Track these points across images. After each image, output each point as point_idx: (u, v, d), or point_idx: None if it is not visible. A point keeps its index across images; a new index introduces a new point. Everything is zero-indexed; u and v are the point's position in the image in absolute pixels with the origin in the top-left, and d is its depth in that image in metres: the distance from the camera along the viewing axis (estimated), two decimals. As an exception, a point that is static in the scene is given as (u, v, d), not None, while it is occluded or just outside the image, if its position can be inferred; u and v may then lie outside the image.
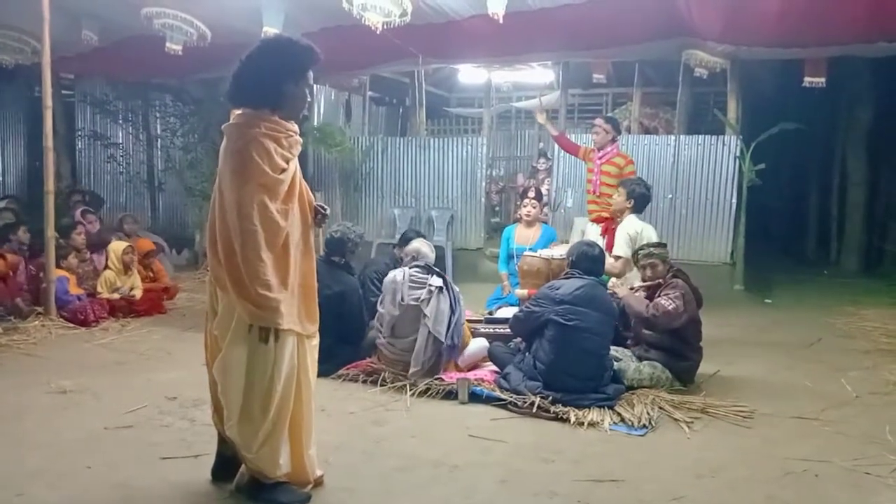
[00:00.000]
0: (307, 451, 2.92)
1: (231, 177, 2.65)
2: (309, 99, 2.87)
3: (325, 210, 2.98)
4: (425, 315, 4.47)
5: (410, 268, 4.69)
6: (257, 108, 2.72)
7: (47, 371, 4.73)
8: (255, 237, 2.62)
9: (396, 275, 4.70)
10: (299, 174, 2.85)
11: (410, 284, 4.59)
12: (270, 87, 2.69)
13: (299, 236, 2.82)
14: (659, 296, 4.50)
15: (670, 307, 4.38)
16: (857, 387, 4.64)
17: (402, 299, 4.57)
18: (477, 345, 4.84)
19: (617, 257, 5.26)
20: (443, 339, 4.46)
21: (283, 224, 2.70)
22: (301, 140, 2.85)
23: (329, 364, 4.71)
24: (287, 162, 2.74)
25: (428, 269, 4.67)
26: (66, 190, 9.42)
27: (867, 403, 4.35)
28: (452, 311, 4.53)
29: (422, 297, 4.52)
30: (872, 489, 3.14)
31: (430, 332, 4.47)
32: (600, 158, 6.12)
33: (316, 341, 2.95)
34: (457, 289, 4.72)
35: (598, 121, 6.27)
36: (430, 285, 4.54)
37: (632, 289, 4.79)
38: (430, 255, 4.82)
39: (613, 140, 6.11)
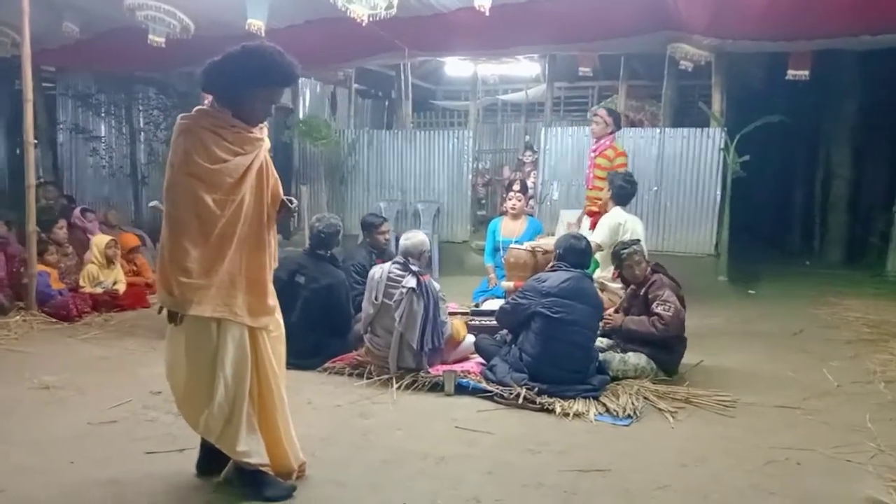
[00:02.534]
0: (285, 437, 2.94)
1: (167, 166, 2.76)
2: (270, 114, 2.90)
3: (291, 203, 2.96)
4: (395, 319, 4.41)
5: (392, 264, 4.63)
6: (214, 102, 2.77)
7: (30, 367, 4.69)
8: (178, 224, 2.70)
9: (375, 272, 4.62)
10: (260, 169, 2.85)
11: (388, 283, 4.50)
12: (230, 86, 2.73)
13: (248, 230, 2.82)
14: (651, 301, 4.50)
15: (671, 312, 4.39)
16: (839, 376, 4.69)
17: (376, 298, 4.52)
18: (465, 340, 4.83)
19: (596, 245, 5.25)
20: (414, 345, 4.37)
21: (217, 213, 2.72)
22: (260, 137, 2.85)
23: (317, 357, 4.71)
24: (234, 156, 2.75)
25: (405, 268, 4.55)
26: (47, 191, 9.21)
27: (849, 392, 4.40)
28: (427, 313, 4.41)
29: (394, 298, 4.44)
30: (854, 476, 3.19)
31: (402, 336, 4.41)
32: (594, 151, 6.10)
33: (278, 332, 2.98)
34: (436, 287, 4.59)
35: (601, 111, 6.16)
36: (403, 286, 4.43)
37: (623, 309, 4.77)
38: (415, 251, 4.58)
39: (611, 133, 6.08)
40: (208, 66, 2.74)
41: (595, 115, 6.26)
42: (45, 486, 2.96)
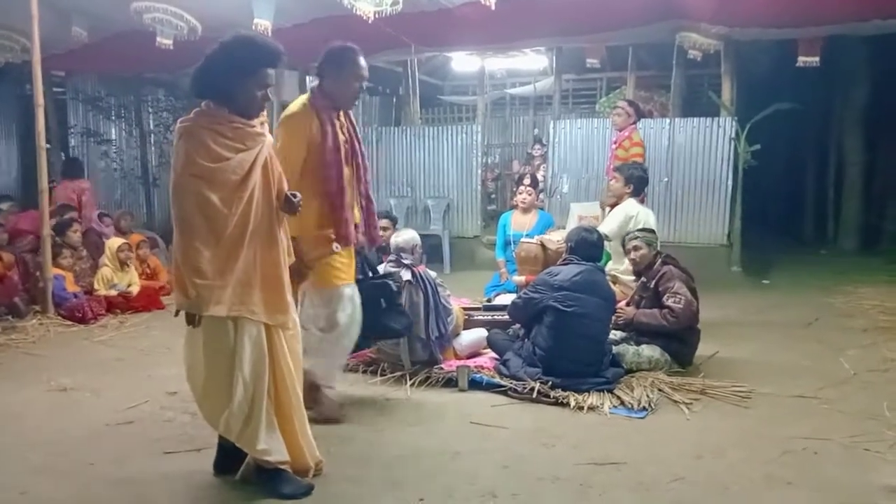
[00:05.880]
0: (302, 435, 2.96)
1: (171, 169, 2.79)
2: (268, 98, 2.87)
3: (295, 198, 2.96)
4: None
5: (386, 263, 4.63)
6: (210, 103, 2.80)
7: (47, 369, 4.74)
8: (188, 225, 2.71)
9: None
10: (265, 164, 2.86)
11: None
12: (220, 83, 2.76)
13: (259, 226, 2.83)
14: (662, 294, 4.49)
15: (682, 304, 4.37)
16: (856, 365, 4.66)
17: None
18: (476, 334, 4.82)
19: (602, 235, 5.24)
20: (422, 335, 4.40)
21: (226, 212, 2.73)
22: (262, 132, 2.86)
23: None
24: (236, 152, 2.76)
25: (399, 263, 4.55)
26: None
27: (865, 381, 4.37)
28: (428, 302, 4.43)
29: None
30: (871, 465, 3.17)
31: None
32: (615, 143, 6.15)
33: (294, 330, 2.98)
34: (432, 275, 4.60)
35: (622, 103, 6.39)
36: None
37: (634, 301, 4.76)
38: (406, 247, 4.57)
39: (633, 123, 6.15)
40: (195, 73, 2.78)
41: (615, 106, 6.35)
42: (64, 487, 2.99)
